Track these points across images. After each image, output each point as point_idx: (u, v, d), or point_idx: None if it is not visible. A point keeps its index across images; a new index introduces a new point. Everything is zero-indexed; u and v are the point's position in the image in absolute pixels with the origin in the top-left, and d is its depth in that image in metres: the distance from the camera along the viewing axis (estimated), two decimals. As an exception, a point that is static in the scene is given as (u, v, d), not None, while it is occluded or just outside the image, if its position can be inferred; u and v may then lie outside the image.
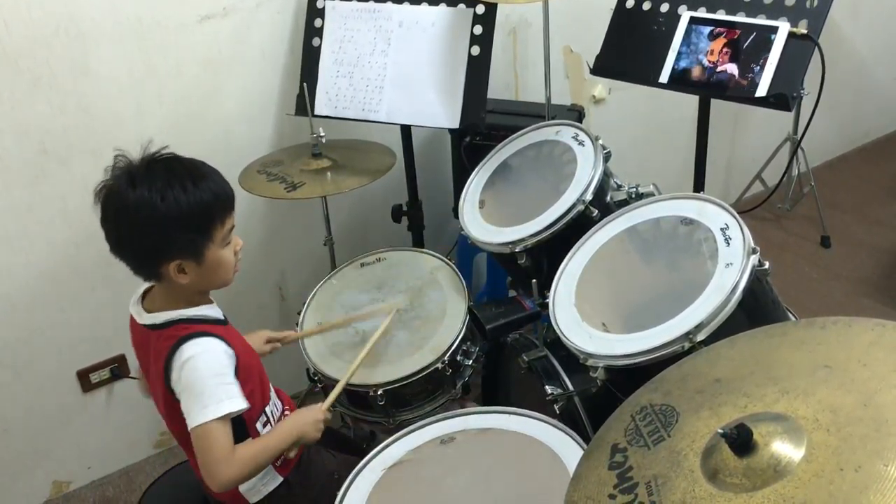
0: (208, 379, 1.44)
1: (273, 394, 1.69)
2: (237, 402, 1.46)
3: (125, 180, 1.43)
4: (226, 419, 1.44)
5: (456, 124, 2.23)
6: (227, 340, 1.50)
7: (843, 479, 0.84)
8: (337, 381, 1.93)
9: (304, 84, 2.29)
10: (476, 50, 2.22)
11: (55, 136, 2.17)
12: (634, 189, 1.92)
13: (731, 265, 1.50)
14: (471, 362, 2.03)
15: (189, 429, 1.44)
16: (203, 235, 1.46)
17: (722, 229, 1.59)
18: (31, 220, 2.22)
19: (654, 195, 1.86)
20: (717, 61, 2.07)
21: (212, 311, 1.57)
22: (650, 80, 2.18)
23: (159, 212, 1.41)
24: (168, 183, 1.42)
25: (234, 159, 2.35)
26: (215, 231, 1.47)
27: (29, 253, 2.25)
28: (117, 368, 2.48)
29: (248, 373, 1.55)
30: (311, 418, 1.63)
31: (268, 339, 1.89)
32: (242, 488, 1.59)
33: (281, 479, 1.64)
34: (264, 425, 1.60)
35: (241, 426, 1.53)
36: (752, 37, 2.04)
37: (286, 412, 1.71)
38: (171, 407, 1.49)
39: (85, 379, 2.45)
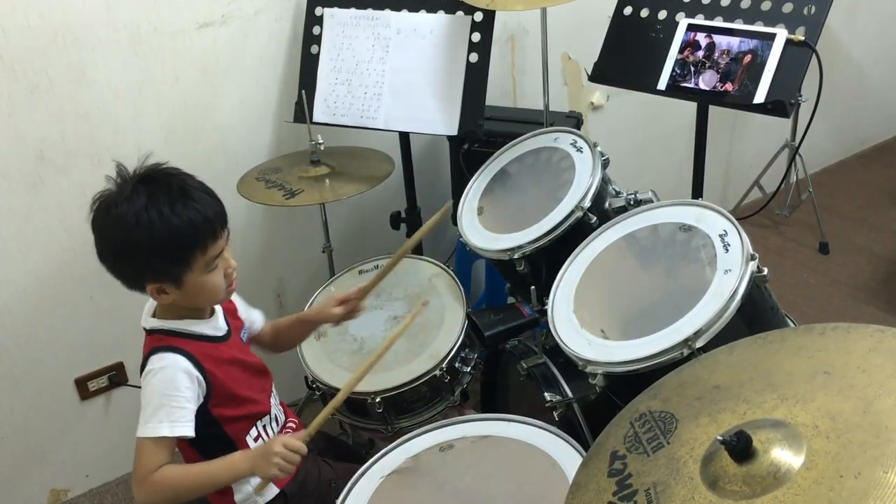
0: (157, 396, 1.42)
1: (275, 406, 1.67)
2: (177, 429, 1.42)
3: (112, 196, 1.41)
4: (162, 441, 1.41)
5: (454, 131, 2.23)
6: (198, 360, 1.47)
7: (843, 486, 0.84)
8: (336, 389, 1.93)
9: (303, 91, 2.29)
10: (474, 57, 2.22)
11: (53, 144, 2.17)
12: (633, 196, 1.92)
13: (730, 271, 1.50)
14: (469, 369, 2.03)
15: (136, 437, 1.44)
16: (178, 263, 1.41)
17: (720, 235, 1.59)
18: (29, 228, 2.22)
19: (652, 202, 1.86)
20: (714, 68, 2.07)
21: (200, 326, 1.53)
22: (648, 86, 2.19)
23: (132, 237, 1.38)
24: (145, 206, 1.37)
25: (233, 166, 2.36)
26: (193, 259, 1.42)
27: (27, 260, 2.25)
28: (115, 376, 2.48)
29: (231, 393, 1.53)
30: (264, 450, 1.45)
31: (339, 300, 1.76)
32: (237, 498, 1.58)
33: (277, 490, 1.62)
34: (255, 440, 1.59)
35: (230, 444, 1.53)
36: (749, 44, 2.04)
37: (290, 424, 1.70)
38: None
39: (83, 386, 2.44)
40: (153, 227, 1.37)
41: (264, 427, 1.62)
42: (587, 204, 1.86)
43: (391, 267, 1.81)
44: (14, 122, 2.11)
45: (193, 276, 1.44)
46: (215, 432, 1.51)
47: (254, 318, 1.74)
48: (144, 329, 1.53)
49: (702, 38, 2.11)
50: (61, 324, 2.35)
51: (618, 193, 1.97)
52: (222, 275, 1.49)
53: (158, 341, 1.48)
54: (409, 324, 1.66)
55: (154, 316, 1.53)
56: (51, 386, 2.40)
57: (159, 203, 1.38)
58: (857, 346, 1.01)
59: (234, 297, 1.69)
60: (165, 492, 1.42)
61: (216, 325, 1.57)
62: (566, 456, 1.46)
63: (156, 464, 1.40)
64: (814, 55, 1.98)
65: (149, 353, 1.47)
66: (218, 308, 1.60)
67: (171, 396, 1.43)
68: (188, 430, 1.44)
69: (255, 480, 1.58)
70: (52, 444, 2.47)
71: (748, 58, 2.03)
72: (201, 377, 1.47)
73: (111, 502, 2.55)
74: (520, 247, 1.90)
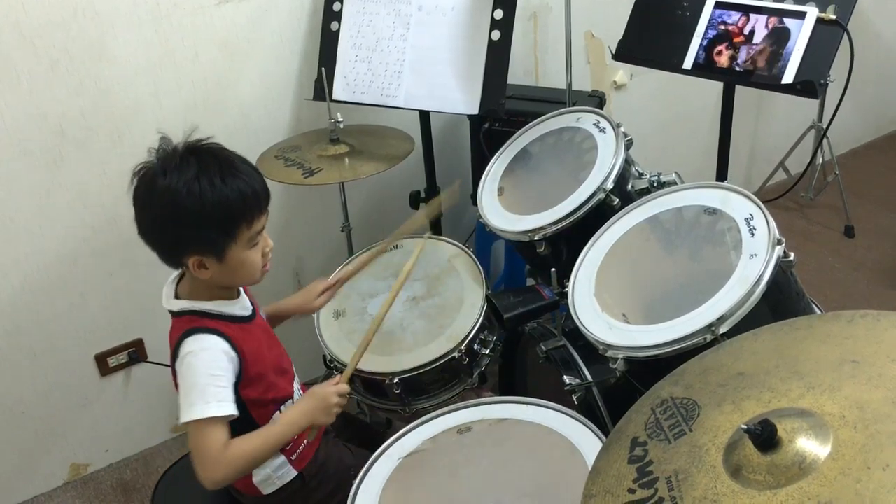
0: (200, 377, 1.42)
1: (297, 389, 1.67)
2: (225, 408, 1.42)
3: (158, 166, 1.40)
4: (215, 420, 1.41)
5: (475, 110, 2.21)
6: (233, 341, 1.47)
7: (871, 478, 0.82)
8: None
9: (323, 69, 2.27)
10: (496, 34, 2.19)
11: (73, 120, 2.17)
12: (656, 177, 1.89)
13: (756, 256, 1.48)
14: (488, 351, 2.02)
15: (181, 422, 1.43)
16: (225, 234, 1.42)
17: (746, 219, 1.56)
18: (50, 204, 2.22)
19: (676, 184, 1.83)
20: (743, 47, 2.04)
21: (231, 307, 1.53)
22: (673, 66, 2.15)
23: (182, 205, 1.37)
24: (196, 176, 1.38)
25: (252, 144, 2.35)
26: (239, 231, 1.43)
27: (47, 237, 2.25)
28: (135, 352, 2.49)
29: (260, 374, 1.53)
30: (322, 403, 1.56)
31: (322, 290, 1.86)
32: (256, 479, 1.59)
33: (296, 472, 1.62)
34: None
35: (253, 426, 1.52)
36: (778, 22, 2.00)
37: None
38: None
39: (103, 363, 2.46)
40: (204, 196, 1.38)
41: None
42: (609, 185, 1.84)
43: (384, 248, 1.93)
44: (35, 98, 2.11)
45: (236, 251, 1.44)
46: (242, 416, 1.50)
47: None
48: (170, 311, 1.52)
49: (730, 16, 2.07)
50: (81, 300, 2.37)
51: (641, 175, 1.94)
52: (261, 253, 1.49)
53: (191, 322, 1.47)
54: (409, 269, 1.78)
55: (178, 297, 1.52)
56: (71, 362, 2.42)
57: (210, 173, 1.39)
58: (887, 335, 0.99)
59: None
60: (240, 465, 1.44)
61: (244, 304, 1.57)
62: (585, 440, 1.45)
63: (219, 441, 1.41)
64: (845, 34, 1.94)
65: (184, 334, 1.46)
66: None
67: (216, 376, 1.43)
68: (233, 409, 1.44)
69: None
70: (73, 420, 2.49)
71: (777, 36, 1.99)
72: (237, 358, 1.47)
73: (130, 477, 2.57)
74: (540, 228, 1.88)
